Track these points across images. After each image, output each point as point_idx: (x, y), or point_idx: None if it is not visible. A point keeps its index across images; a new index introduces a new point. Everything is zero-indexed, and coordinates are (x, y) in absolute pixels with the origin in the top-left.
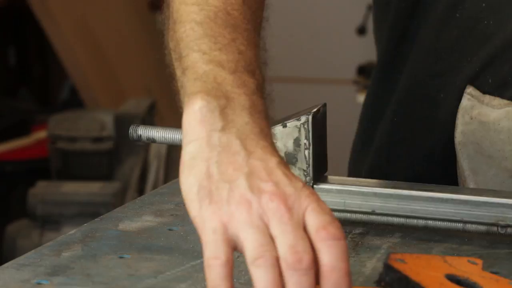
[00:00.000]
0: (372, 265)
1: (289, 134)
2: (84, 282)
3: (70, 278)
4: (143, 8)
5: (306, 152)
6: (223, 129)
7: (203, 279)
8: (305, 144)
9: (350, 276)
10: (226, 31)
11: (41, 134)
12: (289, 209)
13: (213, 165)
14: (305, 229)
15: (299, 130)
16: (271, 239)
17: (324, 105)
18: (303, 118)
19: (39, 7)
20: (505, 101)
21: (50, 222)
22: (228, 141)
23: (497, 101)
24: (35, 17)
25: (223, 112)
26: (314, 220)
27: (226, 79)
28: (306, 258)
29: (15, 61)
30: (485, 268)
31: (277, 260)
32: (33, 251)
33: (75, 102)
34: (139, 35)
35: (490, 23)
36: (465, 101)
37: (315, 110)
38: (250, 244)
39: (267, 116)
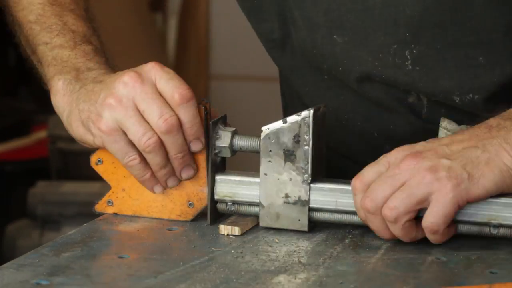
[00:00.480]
0: (371, 265)
1: (289, 130)
2: (84, 282)
3: (70, 278)
4: (143, 8)
5: (306, 148)
6: (81, 86)
7: (203, 280)
8: (305, 140)
9: (201, 125)
10: (57, 19)
11: (41, 134)
12: (142, 80)
13: (82, 104)
14: (161, 95)
15: (300, 126)
16: (147, 122)
17: (325, 105)
18: (304, 114)
19: None
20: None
21: (50, 222)
22: (85, 88)
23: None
24: None
25: (77, 78)
26: (165, 87)
27: (70, 56)
28: (174, 121)
29: (15, 61)
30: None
31: (159, 141)
32: (32, 251)
33: None
34: (139, 35)
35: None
36: (443, 134)
37: (315, 107)
38: (135, 136)
39: (107, 62)
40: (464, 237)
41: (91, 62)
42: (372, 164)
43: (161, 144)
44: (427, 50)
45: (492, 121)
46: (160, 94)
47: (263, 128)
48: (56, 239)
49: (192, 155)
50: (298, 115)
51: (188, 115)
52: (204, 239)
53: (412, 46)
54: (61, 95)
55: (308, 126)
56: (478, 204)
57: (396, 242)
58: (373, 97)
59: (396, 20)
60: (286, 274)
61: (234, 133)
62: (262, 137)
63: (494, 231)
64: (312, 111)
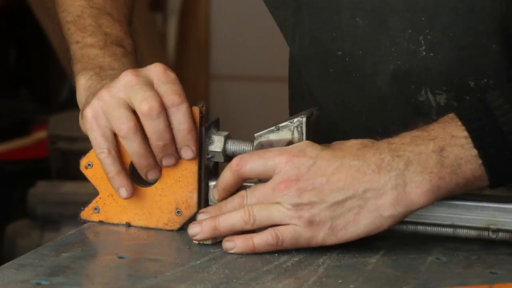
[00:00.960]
0: (371, 265)
1: (282, 137)
2: (84, 282)
3: (70, 278)
4: (143, 8)
5: None
6: (98, 83)
7: (203, 280)
8: None
9: (193, 131)
10: (93, 20)
11: (41, 134)
12: (137, 76)
13: (89, 97)
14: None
15: (293, 133)
16: (129, 109)
17: (318, 109)
18: (296, 120)
19: (39, 7)
20: None
21: (50, 222)
22: (102, 85)
23: None
24: (35, 17)
25: (98, 74)
26: (160, 89)
27: (97, 55)
28: (155, 105)
29: (15, 61)
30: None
31: (136, 127)
32: (32, 251)
33: (75, 102)
34: (139, 35)
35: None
36: None
37: (308, 113)
38: (114, 123)
39: (134, 65)
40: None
41: (117, 62)
42: (261, 155)
43: (139, 131)
44: (441, 36)
45: (385, 155)
46: (152, 86)
47: (256, 135)
48: (56, 239)
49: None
50: (291, 122)
51: (175, 119)
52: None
53: (427, 31)
54: (81, 90)
55: (301, 133)
56: (476, 209)
57: (396, 242)
58: (383, 90)
59: (413, 4)
60: (286, 274)
61: (227, 138)
62: (255, 144)
63: (493, 236)
64: (305, 118)
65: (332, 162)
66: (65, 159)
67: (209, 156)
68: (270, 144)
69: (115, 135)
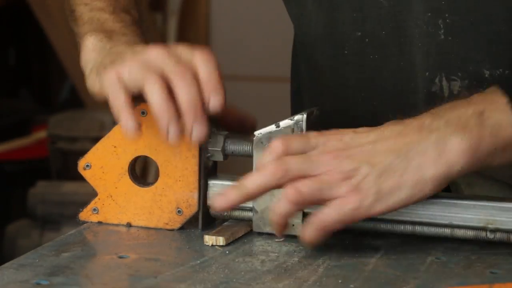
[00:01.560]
0: (371, 265)
1: (282, 134)
2: (84, 283)
3: (70, 278)
4: (143, 8)
5: None
6: (111, 47)
7: (203, 280)
8: None
9: (223, 86)
10: None
11: (41, 134)
12: (168, 51)
13: (106, 58)
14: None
15: (293, 130)
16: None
17: (318, 108)
18: (297, 117)
19: (39, 7)
20: None
21: (50, 222)
22: (117, 49)
23: None
24: (35, 17)
25: (110, 38)
26: (187, 53)
27: (107, 19)
28: (189, 67)
29: (15, 61)
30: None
31: (160, 77)
32: (32, 251)
33: (75, 102)
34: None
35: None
36: None
37: (309, 111)
38: (135, 75)
39: (142, 36)
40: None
41: (127, 29)
42: (302, 135)
43: (164, 81)
44: (460, 21)
45: (425, 118)
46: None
47: (256, 133)
48: (56, 239)
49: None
50: (291, 119)
51: (205, 68)
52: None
53: (446, 15)
54: (89, 49)
55: (302, 130)
56: (474, 208)
57: (396, 242)
58: (397, 78)
59: None
60: (286, 274)
61: (226, 137)
62: (254, 142)
63: (490, 236)
64: (305, 115)
65: (372, 131)
66: (65, 159)
67: (209, 154)
68: (270, 141)
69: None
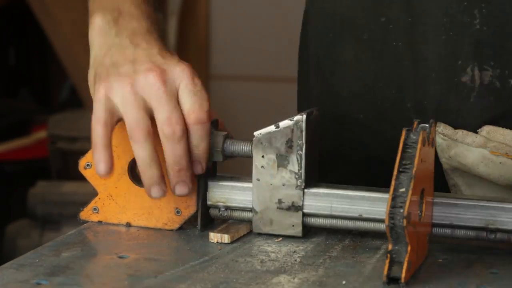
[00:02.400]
0: (371, 265)
1: (282, 134)
2: (84, 282)
3: (70, 278)
4: None
5: (299, 153)
6: (116, 34)
7: (203, 280)
8: (298, 144)
9: (209, 150)
10: None
11: (41, 134)
12: (164, 82)
13: (107, 58)
14: (179, 102)
15: (292, 131)
16: (149, 111)
17: (318, 109)
18: (296, 118)
19: (39, 7)
20: (478, 138)
21: (50, 222)
22: (120, 41)
23: (470, 137)
24: (35, 17)
25: (116, 21)
26: (186, 100)
27: None
28: (179, 129)
29: (15, 61)
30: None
31: (149, 134)
32: (32, 251)
33: (75, 102)
34: None
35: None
36: (440, 140)
37: (308, 111)
38: (129, 120)
39: (153, 20)
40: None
41: (137, 9)
42: None
43: (152, 137)
44: (496, 11)
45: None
46: (177, 101)
47: (255, 133)
48: (56, 239)
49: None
50: (291, 120)
51: (196, 136)
52: (204, 239)
53: (482, 5)
54: (96, 33)
55: (301, 131)
56: (475, 208)
57: None
58: (426, 62)
59: None
60: (286, 274)
61: (226, 137)
62: (254, 142)
63: (490, 236)
64: (305, 116)
65: None
66: (65, 159)
67: None
68: (269, 142)
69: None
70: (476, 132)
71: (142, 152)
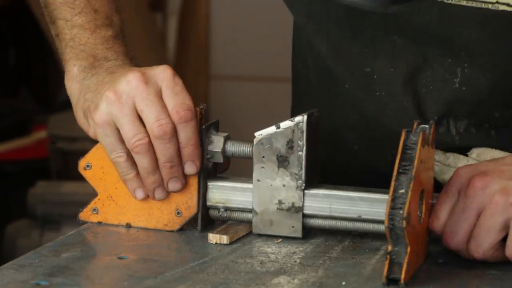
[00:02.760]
0: (371, 266)
1: (282, 135)
2: (83, 283)
3: (69, 279)
4: (143, 8)
5: (299, 154)
6: (93, 75)
7: (203, 280)
8: (298, 145)
9: (199, 148)
10: None
11: (41, 134)
12: (146, 82)
13: (88, 94)
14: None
15: (293, 131)
16: (141, 123)
17: (318, 110)
18: (297, 119)
19: (39, 7)
20: (470, 161)
21: (50, 222)
22: (97, 77)
23: (462, 161)
24: (35, 17)
25: (92, 65)
26: (169, 101)
27: (89, 39)
28: (169, 129)
29: (15, 61)
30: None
31: (149, 144)
32: (32, 251)
33: None
34: (139, 35)
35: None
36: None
37: (309, 112)
38: (126, 135)
39: (126, 51)
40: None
41: (110, 51)
42: (443, 197)
43: (151, 148)
44: (477, 73)
45: None
46: (162, 100)
47: (256, 134)
48: (56, 239)
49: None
50: (291, 120)
51: (183, 135)
52: (203, 240)
53: (465, 65)
54: (74, 81)
55: (302, 132)
56: None
57: None
58: (399, 116)
59: (452, 39)
60: (286, 275)
61: (226, 139)
62: (254, 143)
63: None
64: (305, 116)
65: None
66: (65, 159)
67: (209, 156)
68: (270, 142)
69: None
70: (466, 155)
71: (144, 162)
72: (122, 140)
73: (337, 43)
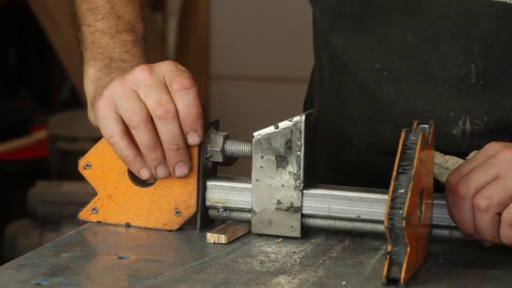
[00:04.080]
0: (371, 266)
1: (281, 135)
2: (84, 283)
3: (69, 278)
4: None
5: (298, 154)
6: (107, 74)
7: (203, 280)
8: (297, 145)
9: (201, 117)
10: (105, 1)
11: (41, 134)
12: (151, 73)
13: (100, 89)
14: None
15: (291, 131)
16: (142, 102)
17: (317, 110)
18: (295, 119)
19: (39, 7)
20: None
21: (50, 222)
22: (111, 76)
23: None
24: (35, 17)
25: (108, 67)
26: (168, 75)
27: (108, 43)
28: (171, 108)
29: (15, 61)
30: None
31: (147, 118)
32: (32, 251)
33: (75, 102)
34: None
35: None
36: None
37: (308, 112)
38: (124, 111)
39: (144, 55)
40: (464, 238)
41: (127, 54)
42: (470, 160)
43: (150, 123)
44: (493, 68)
45: None
46: (166, 87)
47: (255, 134)
48: (56, 239)
49: (189, 153)
50: (290, 121)
51: (183, 102)
52: (203, 240)
53: (479, 61)
54: (90, 81)
55: (300, 132)
56: None
57: None
58: (409, 114)
59: (468, 33)
60: (286, 274)
61: (226, 138)
62: (253, 143)
63: (487, 242)
64: (304, 117)
65: None
66: (65, 159)
67: (208, 155)
68: (268, 142)
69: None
70: (465, 159)
71: (143, 136)
72: (119, 120)
73: (349, 39)
